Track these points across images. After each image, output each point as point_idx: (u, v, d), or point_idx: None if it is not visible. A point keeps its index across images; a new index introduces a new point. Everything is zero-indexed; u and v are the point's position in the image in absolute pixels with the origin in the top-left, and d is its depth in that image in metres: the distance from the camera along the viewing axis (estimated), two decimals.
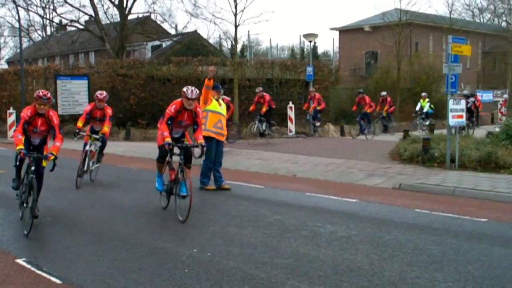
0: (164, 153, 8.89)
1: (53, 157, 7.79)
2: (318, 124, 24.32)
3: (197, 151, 9.41)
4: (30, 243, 7.24)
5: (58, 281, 5.70)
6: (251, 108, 21.32)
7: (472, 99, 25.89)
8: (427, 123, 25.35)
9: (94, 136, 11.71)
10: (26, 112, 8.07)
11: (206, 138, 10.84)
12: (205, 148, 8.77)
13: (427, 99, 26.30)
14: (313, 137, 23.49)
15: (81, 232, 7.78)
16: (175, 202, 8.67)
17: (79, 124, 11.70)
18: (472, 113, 24.81)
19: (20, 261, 6.40)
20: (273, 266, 6.13)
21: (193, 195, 8.47)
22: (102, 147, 12.04)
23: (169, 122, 8.71)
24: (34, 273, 5.98)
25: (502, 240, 7.27)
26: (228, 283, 5.58)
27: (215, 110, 11.04)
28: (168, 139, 8.47)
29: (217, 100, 11.22)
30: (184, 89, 8.73)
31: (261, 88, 21.27)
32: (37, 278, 5.82)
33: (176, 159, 8.85)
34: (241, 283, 5.58)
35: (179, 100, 8.89)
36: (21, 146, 7.74)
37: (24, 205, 8.03)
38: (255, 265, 6.17)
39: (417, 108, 26.45)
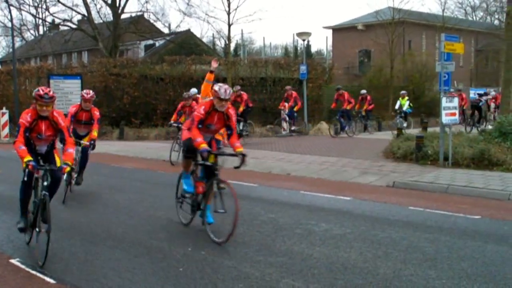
0: (192, 146, 7.49)
1: (68, 168, 6.55)
2: (293, 123, 23.72)
3: (231, 161, 8.13)
4: (24, 243, 7.21)
5: (52, 281, 5.69)
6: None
7: (485, 97, 26.43)
8: (405, 125, 24.13)
9: (81, 142, 10.21)
10: (26, 117, 6.57)
11: None
12: (245, 157, 7.48)
13: (406, 97, 25.07)
14: (289, 137, 23.20)
15: (75, 232, 7.76)
16: (204, 222, 7.53)
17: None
18: (481, 111, 25.41)
19: (14, 261, 6.38)
20: (267, 264, 6.14)
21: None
22: (84, 161, 10.33)
23: (200, 126, 7.40)
24: (29, 273, 5.97)
25: (495, 237, 7.30)
26: (223, 282, 5.59)
27: None
28: (204, 146, 7.20)
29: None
30: (216, 87, 7.27)
31: (239, 87, 20.90)
32: (32, 278, 5.81)
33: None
34: (235, 282, 5.59)
35: (208, 100, 7.68)
36: (29, 157, 6.33)
37: (37, 229, 6.44)
38: (249, 263, 6.18)
39: (396, 106, 25.19)
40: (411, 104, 25.35)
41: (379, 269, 5.96)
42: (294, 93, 23.43)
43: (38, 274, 5.89)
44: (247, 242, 7.08)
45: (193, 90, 16.57)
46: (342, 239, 7.24)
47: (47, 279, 5.75)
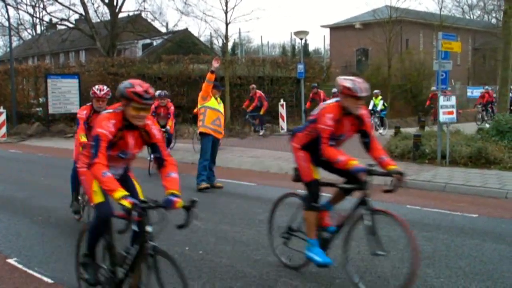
0: (318, 190, 5.89)
1: (181, 202, 4.46)
2: (259, 124, 22.04)
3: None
4: (21, 242, 7.21)
5: (49, 281, 5.69)
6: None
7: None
8: (382, 131, 22.73)
9: None
10: (107, 126, 4.45)
11: (205, 134, 10.87)
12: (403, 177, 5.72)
13: (380, 97, 23.63)
14: (287, 136, 23.07)
15: (72, 231, 7.74)
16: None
17: (83, 139, 7.80)
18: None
19: (11, 261, 6.38)
20: (265, 263, 6.14)
21: (185, 193, 8.26)
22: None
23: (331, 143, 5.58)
24: (26, 272, 5.97)
25: (493, 236, 7.31)
26: (221, 281, 5.59)
27: (214, 107, 10.98)
28: (356, 162, 5.50)
29: (216, 98, 11.15)
30: (348, 84, 5.30)
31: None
32: (29, 277, 5.81)
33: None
34: (233, 281, 5.59)
35: (332, 103, 5.58)
36: (122, 191, 4.20)
37: None
38: (247, 262, 6.18)
39: (370, 106, 22.96)
40: (385, 104, 24.10)
41: (377, 268, 5.96)
42: (259, 92, 22.18)
43: (35, 274, 5.89)
44: (245, 241, 7.08)
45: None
46: (340, 238, 7.22)
47: (45, 278, 5.75)
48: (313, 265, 5.98)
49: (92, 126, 6.71)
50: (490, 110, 27.80)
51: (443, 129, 13.69)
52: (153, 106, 13.30)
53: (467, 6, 58.15)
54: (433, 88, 26.08)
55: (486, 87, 30.74)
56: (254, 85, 22.93)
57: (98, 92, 8.04)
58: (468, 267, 5.97)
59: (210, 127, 10.88)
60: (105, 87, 8.26)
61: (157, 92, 13.49)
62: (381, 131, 22.59)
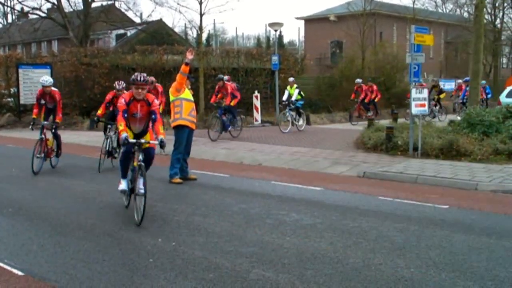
0: None
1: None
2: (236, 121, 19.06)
3: None
4: None
5: (20, 273, 5.62)
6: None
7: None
8: (300, 122, 21.07)
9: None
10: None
11: (181, 127, 10.81)
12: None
13: (295, 85, 21.25)
14: (260, 128, 22.99)
15: (43, 223, 7.67)
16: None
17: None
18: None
19: None
20: (238, 254, 6.15)
21: (158, 185, 8.31)
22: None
23: None
24: None
25: (462, 227, 7.42)
26: (193, 272, 5.58)
27: (189, 98, 10.96)
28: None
29: (189, 89, 11.14)
30: None
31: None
32: None
33: None
34: (206, 272, 5.59)
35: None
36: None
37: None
38: (220, 254, 6.18)
39: (284, 97, 21.05)
40: (302, 94, 21.22)
41: (349, 259, 6.01)
42: (231, 85, 18.91)
43: (5, 266, 5.81)
44: (218, 233, 7.08)
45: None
46: (313, 229, 7.29)
47: (15, 271, 5.68)
48: (286, 256, 6.03)
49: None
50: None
51: (415, 121, 13.82)
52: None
53: (440, 0, 58.70)
54: (358, 80, 26.06)
55: (459, 80, 30.99)
56: (227, 77, 20.41)
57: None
58: (438, 257, 6.05)
59: (188, 119, 10.85)
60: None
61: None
62: (299, 123, 20.81)
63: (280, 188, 10.28)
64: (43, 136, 11.89)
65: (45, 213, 8.27)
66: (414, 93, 13.39)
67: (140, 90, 8.00)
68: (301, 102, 21.12)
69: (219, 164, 13.50)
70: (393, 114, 22.97)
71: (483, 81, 27.37)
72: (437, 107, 27.16)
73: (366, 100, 25.40)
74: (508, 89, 24.58)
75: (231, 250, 6.33)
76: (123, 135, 7.59)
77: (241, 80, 28.19)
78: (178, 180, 10.74)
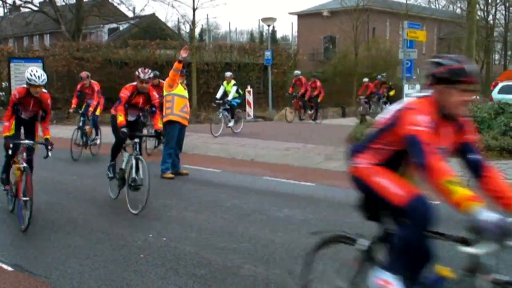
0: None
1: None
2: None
3: None
4: None
5: (9, 269, 5.59)
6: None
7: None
8: (231, 124, 17.74)
9: None
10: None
11: (172, 122, 10.79)
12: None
13: (233, 81, 18.31)
14: (253, 123, 22.66)
15: (33, 218, 7.61)
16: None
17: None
18: None
19: None
20: (230, 250, 6.14)
21: (150, 180, 8.28)
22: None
23: None
24: None
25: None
26: (184, 268, 5.57)
27: (181, 94, 10.96)
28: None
29: (182, 85, 11.12)
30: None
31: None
32: None
33: None
34: (197, 268, 5.57)
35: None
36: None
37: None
38: (211, 249, 6.16)
39: (218, 94, 17.91)
40: (240, 91, 18.80)
41: (340, 253, 6.00)
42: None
43: None
44: (210, 229, 7.07)
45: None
46: (304, 224, 7.27)
47: (5, 266, 5.65)
48: (277, 252, 6.03)
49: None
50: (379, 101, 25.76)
51: None
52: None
53: None
54: (296, 72, 24.21)
55: (365, 79, 27.21)
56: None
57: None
58: None
59: (179, 115, 10.84)
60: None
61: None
62: (230, 124, 17.83)
63: (272, 184, 10.27)
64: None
65: (35, 208, 8.20)
66: (406, 89, 13.41)
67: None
68: (238, 101, 18.29)
69: (211, 159, 13.48)
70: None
71: (379, 76, 26.87)
72: (387, 105, 25.48)
73: (306, 97, 22.93)
74: (500, 85, 24.66)
75: (223, 245, 6.31)
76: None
77: (234, 75, 28.17)
78: (170, 175, 10.71)
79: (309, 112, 23.20)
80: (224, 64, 28.30)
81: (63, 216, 7.76)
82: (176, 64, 10.66)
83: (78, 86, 13.66)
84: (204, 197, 9.04)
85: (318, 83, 23.31)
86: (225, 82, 18.27)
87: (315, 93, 22.92)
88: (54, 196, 9.12)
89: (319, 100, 23.17)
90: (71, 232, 6.92)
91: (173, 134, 10.81)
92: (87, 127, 13.47)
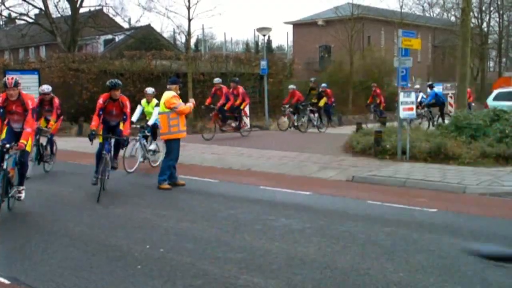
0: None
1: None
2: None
3: None
4: None
5: (6, 282, 5.57)
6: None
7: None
8: (152, 148, 13.38)
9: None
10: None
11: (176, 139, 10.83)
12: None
13: (155, 100, 13.41)
14: (249, 132, 23.09)
15: (30, 230, 7.61)
16: None
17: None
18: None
19: None
20: (226, 260, 6.13)
21: (146, 191, 8.27)
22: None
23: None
24: None
25: (450, 230, 7.44)
26: (181, 279, 5.55)
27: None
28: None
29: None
30: None
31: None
32: None
33: None
34: (194, 279, 5.56)
35: None
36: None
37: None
38: (208, 260, 6.15)
39: (134, 117, 12.98)
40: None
41: (337, 263, 6.01)
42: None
43: None
44: (206, 239, 7.05)
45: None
46: (301, 234, 7.27)
47: (1, 279, 5.62)
48: (274, 261, 6.02)
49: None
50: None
51: (403, 125, 13.86)
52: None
53: (427, 4, 59.05)
54: (216, 79, 20.21)
55: (291, 86, 25.02)
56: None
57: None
58: (427, 261, 6.06)
59: (184, 130, 10.96)
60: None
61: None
62: (151, 158, 13.48)
63: (269, 193, 10.27)
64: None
65: (31, 221, 8.21)
66: (402, 97, 13.43)
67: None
68: (154, 122, 13.02)
69: (207, 169, 13.46)
70: (381, 118, 22.98)
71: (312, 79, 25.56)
72: (315, 115, 23.00)
73: (227, 107, 19.33)
74: (495, 92, 24.72)
75: (220, 256, 6.30)
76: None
77: (230, 85, 28.21)
78: (167, 186, 10.70)
79: (233, 125, 19.98)
80: (220, 74, 28.36)
81: (60, 228, 7.74)
82: (183, 108, 10.76)
83: (38, 100, 12.09)
84: (201, 208, 9.03)
85: (241, 90, 20.14)
86: (144, 101, 13.70)
87: (238, 102, 19.76)
88: (50, 208, 9.09)
89: (242, 107, 20.17)
90: (68, 244, 6.90)
91: (176, 147, 10.84)
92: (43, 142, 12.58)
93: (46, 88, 13.09)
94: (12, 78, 8.66)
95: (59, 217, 8.43)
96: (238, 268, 5.86)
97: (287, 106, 23.39)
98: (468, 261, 6.03)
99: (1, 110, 8.57)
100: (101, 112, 10.37)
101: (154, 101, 13.37)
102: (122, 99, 10.58)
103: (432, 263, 5.99)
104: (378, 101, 25.03)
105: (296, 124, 22.45)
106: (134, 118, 12.98)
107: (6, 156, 8.22)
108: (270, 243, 6.83)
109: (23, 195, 8.88)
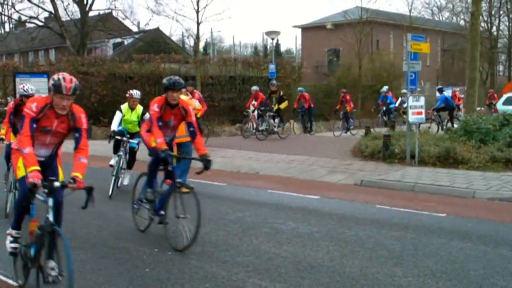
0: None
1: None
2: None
3: None
4: None
5: (14, 284, 5.59)
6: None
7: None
8: (126, 181, 11.24)
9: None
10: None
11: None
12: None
13: (140, 107, 11.11)
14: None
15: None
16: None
17: None
18: None
19: None
20: (234, 264, 6.12)
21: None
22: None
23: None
24: None
25: (459, 235, 7.40)
26: (189, 282, 5.55)
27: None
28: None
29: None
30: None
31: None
32: None
33: None
34: (202, 282, 5.55)
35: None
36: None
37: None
38: (216, 263, 6.15)
39: (114, 125, 10.96)
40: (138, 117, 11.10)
41: (346, 268, 5.99)
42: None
43: (1, 277, 5.78)
44: (214, 242, 7.05)
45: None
46: (309, 237, 7.26)
47: (10, 281, 5.66)
48: (282, 265, 6.00)
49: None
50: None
51: (412, 129, 13.81)
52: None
53: (436, 7, 58.90)
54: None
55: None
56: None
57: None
58: (436, 266, 6.03)
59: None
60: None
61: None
62: (124, 181, 11.46)
63: (276, 197, 10.26)
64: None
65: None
66: (411, 101, 13.39)
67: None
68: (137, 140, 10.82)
69: (215, 172, 13.43)
70: (390, 122, 22.82)
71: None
72: (276, 121, 21.05)
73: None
74: (504, 96, 24.61)
75: (228, 259, 6.30)
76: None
77: (239, 89, 28.25)
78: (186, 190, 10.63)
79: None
80: (229, 77, 28.38)
81: (67, 230, 7.73)
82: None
83: (12, 105, 9.07)
84: (208, 211, 9.01)
85: (197, 95, 15.58)
86: (125, 106, 11.04)
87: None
88: None
89: (200, 115, 16.63)
90: (75, 246, 6.90)
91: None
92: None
93: (30, 89, 8.79)
94: (71, 81, 5.44)
95: (65, 219, 8.43)
96: (245, 272, 5.85)
97: (249, 109, 22.63)
98: (477, 266, 6.00)
99: (34, 126, 5.30)
100: (160, 123, 7.20)
101: (140, 108, 11.02)
102: (182, 103, 7.44)
103: (441, 268, 5.96)
104: (347, 107, 24.16)
105: (260, 128, 21.17)
106: (114, 126, 10.93)
107: (40, 198, 5.67)
108: (278, 246, 6.82)
109: None
